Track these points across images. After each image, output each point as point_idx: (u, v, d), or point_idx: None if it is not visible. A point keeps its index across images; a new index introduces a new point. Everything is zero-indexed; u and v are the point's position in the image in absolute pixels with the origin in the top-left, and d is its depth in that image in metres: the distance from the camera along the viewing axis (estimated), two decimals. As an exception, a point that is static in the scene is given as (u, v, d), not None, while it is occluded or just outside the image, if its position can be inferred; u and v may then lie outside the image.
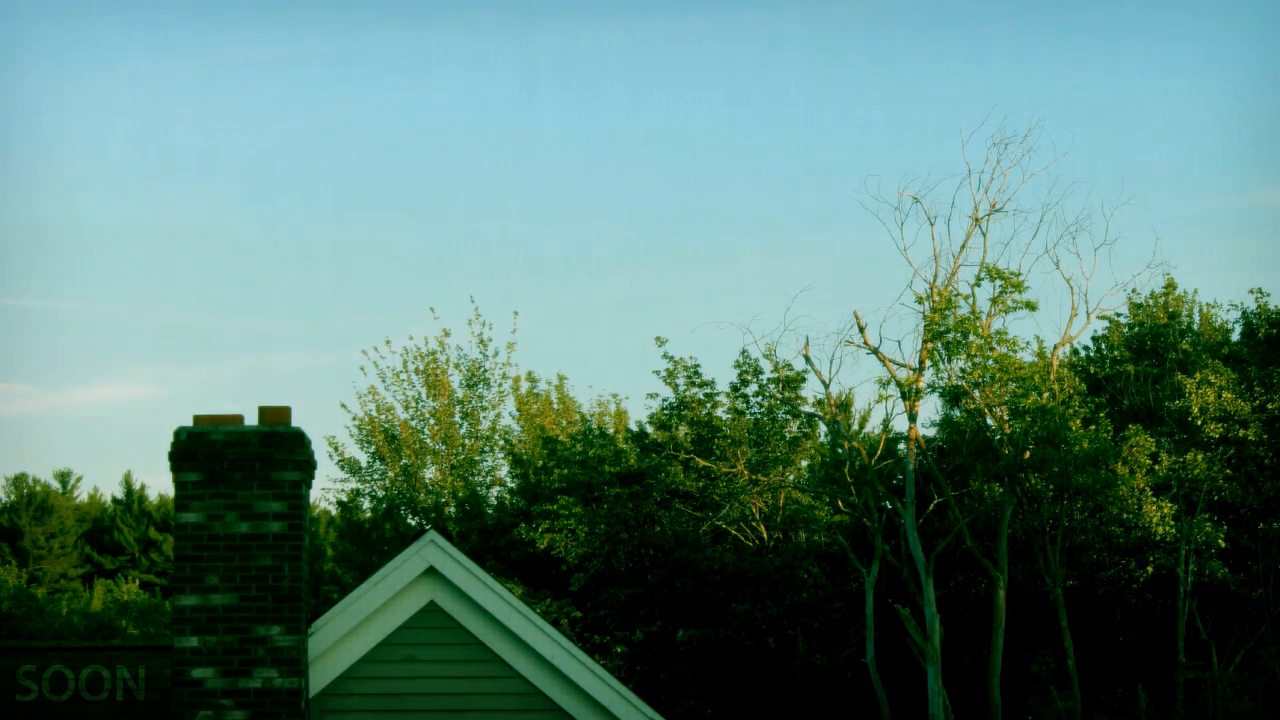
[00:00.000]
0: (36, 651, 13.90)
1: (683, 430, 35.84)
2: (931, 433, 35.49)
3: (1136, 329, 35.25)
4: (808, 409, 35.54)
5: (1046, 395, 30.95)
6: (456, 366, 40.13)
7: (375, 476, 39.74)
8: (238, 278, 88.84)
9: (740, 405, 35.64)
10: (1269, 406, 32.12)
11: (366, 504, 40.41)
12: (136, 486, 74.91)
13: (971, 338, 31.31)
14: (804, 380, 35.40)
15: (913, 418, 31.61)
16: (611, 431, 40.72)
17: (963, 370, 31.86)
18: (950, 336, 31.24)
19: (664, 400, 36.37)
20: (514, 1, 77.47)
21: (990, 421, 31.99)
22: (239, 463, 12.67)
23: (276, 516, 12.69)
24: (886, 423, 33.69)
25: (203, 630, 12.58)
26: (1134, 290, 34.50)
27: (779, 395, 35.44)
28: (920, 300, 31.48)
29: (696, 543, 33.45)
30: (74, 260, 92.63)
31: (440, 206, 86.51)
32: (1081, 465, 29.74)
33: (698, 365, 36.02)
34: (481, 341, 40.33)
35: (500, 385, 40.27)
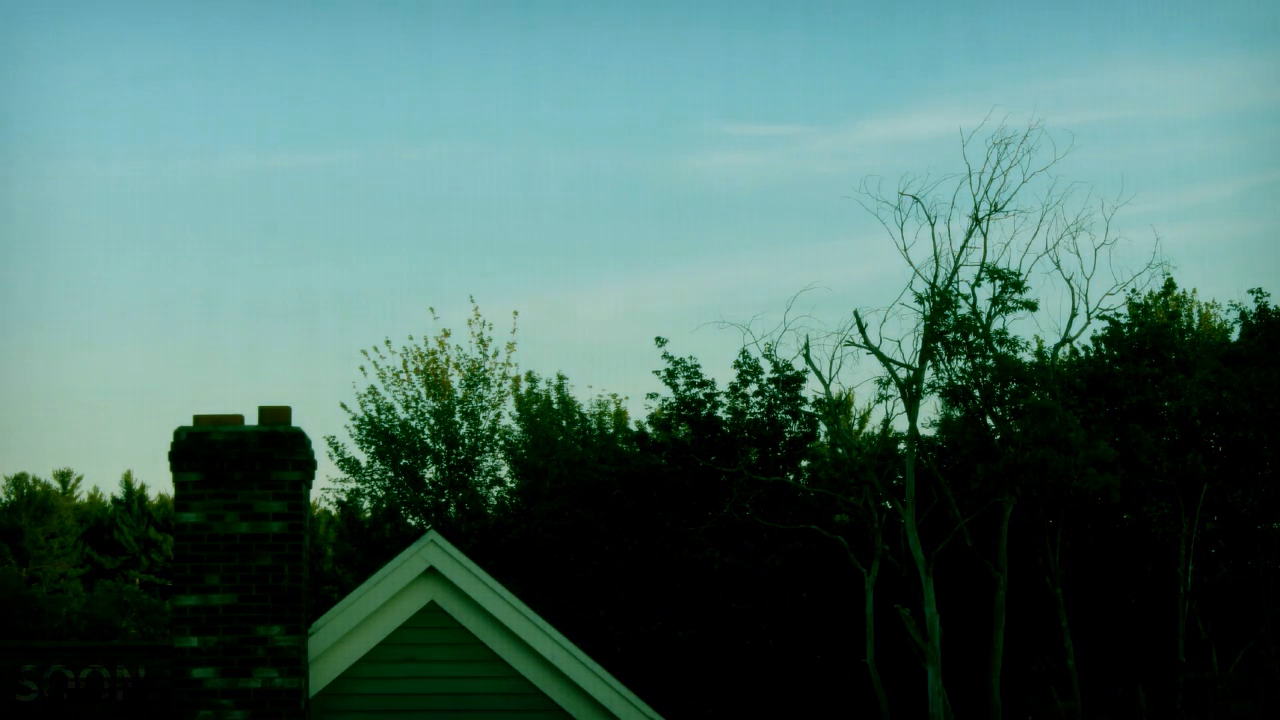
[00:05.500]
0: (36, 651, 13.90)
1: (683, 430, 35.84)
2: (931, 433, 35.51)
3: (1137, 329, 35.27)
4: (808, 409, 35.57)
5: (1047, 395, 30.95)
6: (456, 366, 40.10)
7: (375, 476, 39.70)
8: (238, 276, 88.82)
9: (740, 405, 35.65)
10: (1269, 406, 32.11)
11: (366, 504, 40.37)
12: (136, 486, 74.93)
13: (971, 338, 31.32)
14: (804, 380, 35.47)
15: (913, 418, 31.61)
16: (611, 432, 40.71)
17: (963, 370, 31.86)
18: (950, 336, 31.25)
19: (664, 400, 36.39)
20: (515, 1, 77.48)
21: (990, 421, 31.99)
22: (239, 463, 12.68)
23: (276, 516, 12.70)
24: (886, 423, 33.72)
25: (203, 630, 12.59)
26: (1134, 290, 34.52)
27: (779, 395, 35.45)
28: (920, 300, 31.49)
29: (697, 543, 33.44)
30: (72, 259, 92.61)
31: (440, 206, 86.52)
32: (1082, 467, 29.75)
33: (698, 365, 36.05)
34: (481, 341, 40.31)
35: (500, 385, 40.24)
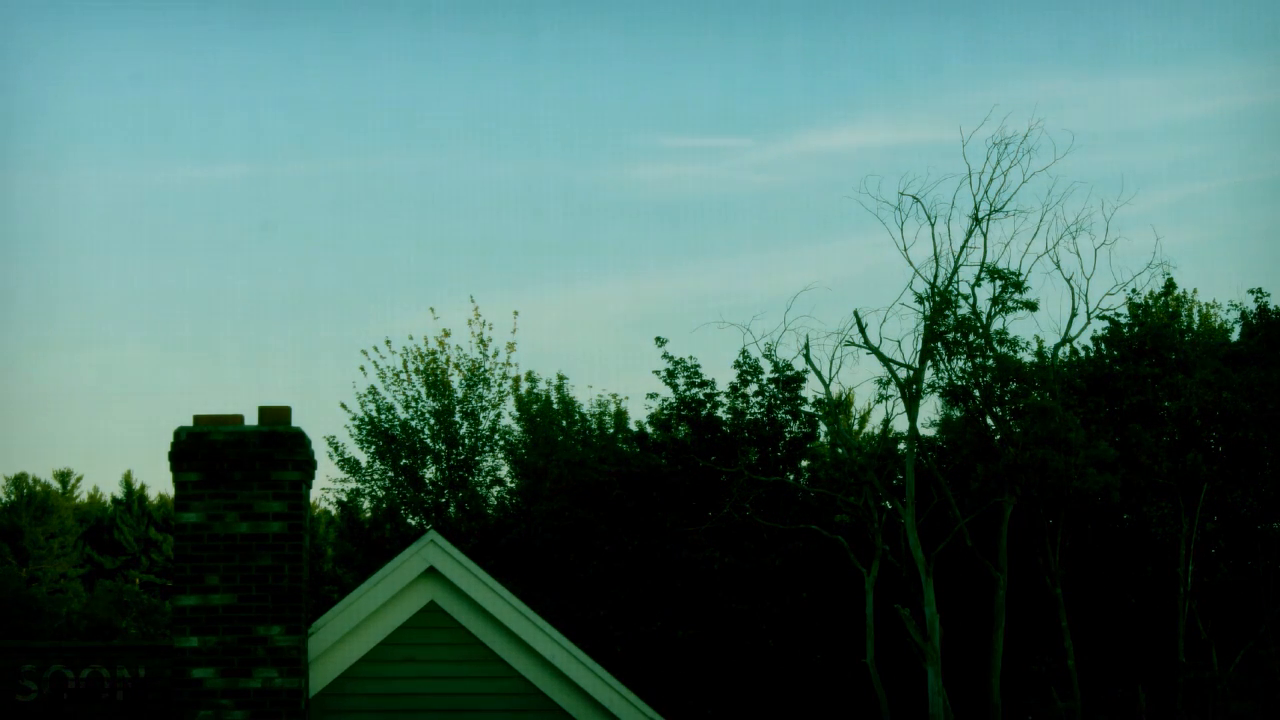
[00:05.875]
0: (36, 651, 13.90)
1: (683, 430, 35.83)
2: (931, 433, 35.51)
3: (1137, 329, 35.28)
4: (808, 409, 35.57)
5: (1047, 395, 30.96)
6: (457, 367, 40.08)
7: (375, 476, 39.69)
8: (238, 277, 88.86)
9: (740, 405, 35.64)
10: (1269, 406, 32.12)
11: (366, 504, 40.37)
12: (136, 486, 74.92)
13: (971, 338, 31.31)
14: (804, 380, 35.46)
15: (913, 418, 31.61)
16: (611, 432, 40.71)
17: (963, 370, 31.86)
18: (950, 336, 31.24)
19: (664, 400, 36.38)
20: (515, 1, 77.49)
21: (990, 421, 31.99)
22: (239, 463, 12.67)
23: (276, 516, 12.70)
24: (886, 423, 33.71)
25: (203, 630, 12.58)
26: (1134, 290, 34.52)
27: (779, 395, 35.44)
28: (920, 300, 31.49)
29: (697, 543, 33.44)
30: (73, 259, 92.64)
31: (440, 206, 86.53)
32: (1082, 467, 29.76)
33: (698, 365, 36.04)
34: (481, 341, 40.29)
35: (500, 385, 40.23)
